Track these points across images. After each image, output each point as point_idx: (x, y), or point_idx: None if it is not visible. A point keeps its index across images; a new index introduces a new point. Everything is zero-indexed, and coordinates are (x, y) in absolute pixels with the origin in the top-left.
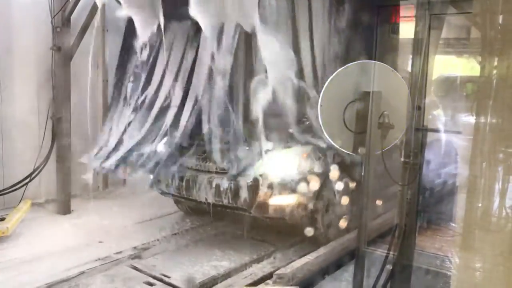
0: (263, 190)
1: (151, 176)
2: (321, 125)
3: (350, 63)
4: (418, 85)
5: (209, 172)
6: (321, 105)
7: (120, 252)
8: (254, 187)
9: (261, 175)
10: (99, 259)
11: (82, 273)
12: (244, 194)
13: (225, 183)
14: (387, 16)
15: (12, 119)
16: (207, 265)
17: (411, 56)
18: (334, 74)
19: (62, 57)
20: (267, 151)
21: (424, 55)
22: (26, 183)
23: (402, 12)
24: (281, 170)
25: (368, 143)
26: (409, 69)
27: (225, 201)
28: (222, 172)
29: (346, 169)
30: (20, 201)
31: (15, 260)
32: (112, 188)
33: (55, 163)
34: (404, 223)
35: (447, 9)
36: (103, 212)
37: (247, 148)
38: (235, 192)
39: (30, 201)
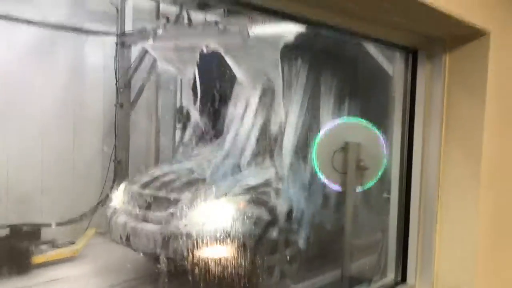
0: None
1: None
2: (316, 167)
3: (338, 120)
4: None
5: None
6: (316, 151)
7: None
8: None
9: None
10: None
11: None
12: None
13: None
14: None
15: (82, 161)
16: None
17: None
18: (325, 128)
19: (124, 111)
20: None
21: None
22: (92, 215)
23: None
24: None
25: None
26: None
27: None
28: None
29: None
30: (86, 229)
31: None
32: None
33: None
34: None
35: None
36: None
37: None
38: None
39: (94, 229)
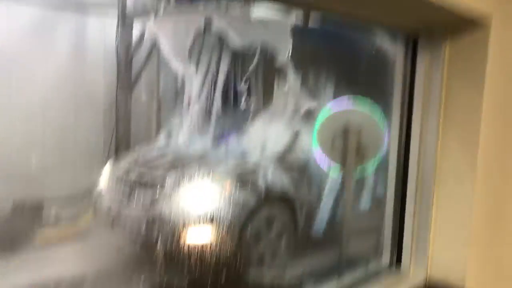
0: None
1: None
2: (319, 149)
3: (338, 106)
4: None
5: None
6: (316, 137)
7: None
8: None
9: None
10: None
11: None
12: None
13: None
14: None
15: (84, 140)
16: None
17: None
18: (326, 113)
19: (125, 90)
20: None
21: None
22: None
23: None
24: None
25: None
26: None
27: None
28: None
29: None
30: (90, 206)
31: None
32: None
33: None
34: None
35: None
36: None
37: None
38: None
39: None
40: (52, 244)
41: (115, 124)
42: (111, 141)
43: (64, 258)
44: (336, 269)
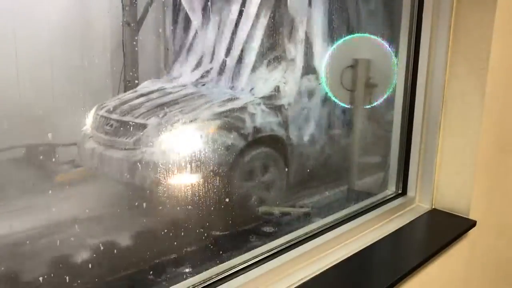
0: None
1: None
2: (324, 85)
3: (347, 36)
4: None
5: None
6: (324, 69)
7: None
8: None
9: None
10: None
11: None
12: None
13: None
14: None
15: (93, 81)
16: None
17: None
18: (334, 45)
19: (131, 30)
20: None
21: None
22: None
23: None
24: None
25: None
26: None
27: None
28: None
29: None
30: None
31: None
32: None
33: None
34: None
35: None
36: None
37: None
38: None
39: None
40: (60, 188)
41: (123, 66)
42: (119, 82)
43: (61, 202)
44: (341, 203)
